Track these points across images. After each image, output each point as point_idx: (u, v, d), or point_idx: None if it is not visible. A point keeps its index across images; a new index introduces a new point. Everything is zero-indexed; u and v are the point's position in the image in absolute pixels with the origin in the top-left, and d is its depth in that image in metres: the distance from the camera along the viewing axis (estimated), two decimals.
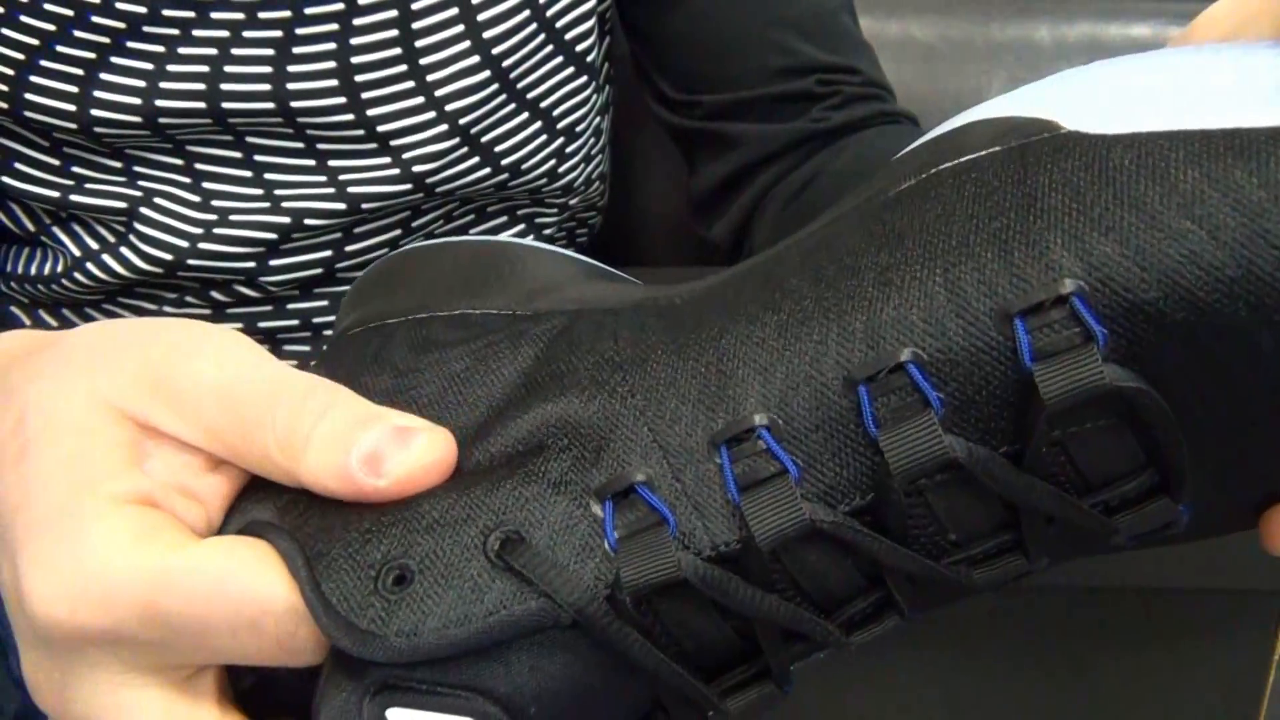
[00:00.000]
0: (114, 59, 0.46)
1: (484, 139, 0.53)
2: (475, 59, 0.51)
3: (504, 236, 0.36)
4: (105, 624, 0.24)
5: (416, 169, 0.51)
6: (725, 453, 0.25)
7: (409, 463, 0.26)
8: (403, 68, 0.50)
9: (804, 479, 0.25)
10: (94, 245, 0.51)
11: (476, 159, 0.53)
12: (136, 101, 0.47)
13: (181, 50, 0.47)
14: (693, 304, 0.28)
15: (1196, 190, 0.23)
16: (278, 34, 0.47)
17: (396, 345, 0.29)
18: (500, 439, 0.27)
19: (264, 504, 0.27)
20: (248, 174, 0.50)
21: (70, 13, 0.45)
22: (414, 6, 0.49)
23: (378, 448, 0.26)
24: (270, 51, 0.47)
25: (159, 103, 0.47)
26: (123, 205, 0.50)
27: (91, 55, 0.46)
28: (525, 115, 0.54)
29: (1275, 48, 0.25)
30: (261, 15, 0.47)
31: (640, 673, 0.25)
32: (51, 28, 0.45)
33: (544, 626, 0.24)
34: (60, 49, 0.46)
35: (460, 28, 0.50)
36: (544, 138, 0.55)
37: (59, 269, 0.52)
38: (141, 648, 0.25)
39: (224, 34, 0.47)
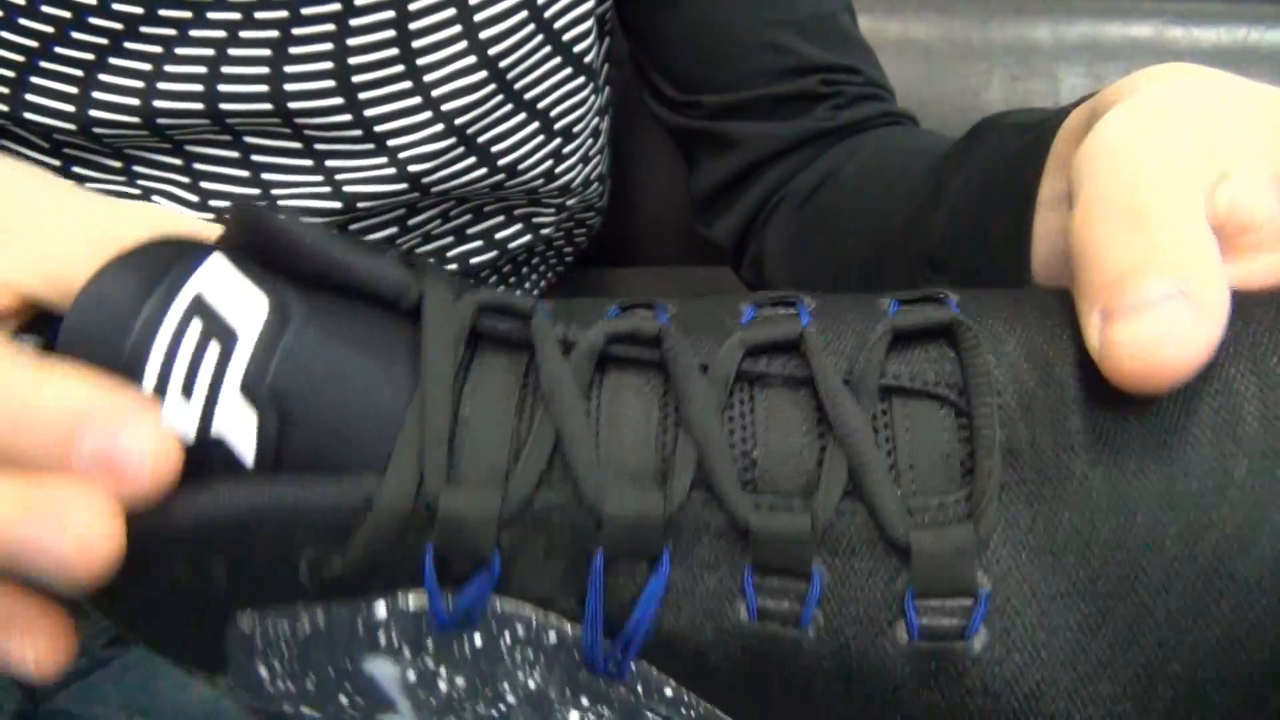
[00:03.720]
0: (112, 60, 0.47)
1: (480, 139, 0.53)
2: (472, 59, 0.51)
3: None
4: None
5: (412, 168, 0.52)
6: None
7: None
8: (399, 68, 0.50)
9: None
10: None
11: (473, 159, 0.53)
12: (135, 102, 0.47)
13: (179, 51, 0.47)
14: None
15: None
16: (275, 34, 0.47)
17: None
18: None
19: None
20: (245, 173, 0.50)
21: (68, 15, 0.45)
22: (411, 7, 0.49)
23: None
24: (267, 52, 0.48)
25: (157, 103, 0.47)
26: None
27: (90, 57, 0.46)
28: (522, 116, 0.54)
29: None
30: (258, 16, 0.47)
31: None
32: (49, 30, 0.46)
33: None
34: (59, 51, 0.46)
35: (457, 28, 0.50)
36: (541, 138, 0.55)
37: None
38: None
39: (221, 34, 0.47)
